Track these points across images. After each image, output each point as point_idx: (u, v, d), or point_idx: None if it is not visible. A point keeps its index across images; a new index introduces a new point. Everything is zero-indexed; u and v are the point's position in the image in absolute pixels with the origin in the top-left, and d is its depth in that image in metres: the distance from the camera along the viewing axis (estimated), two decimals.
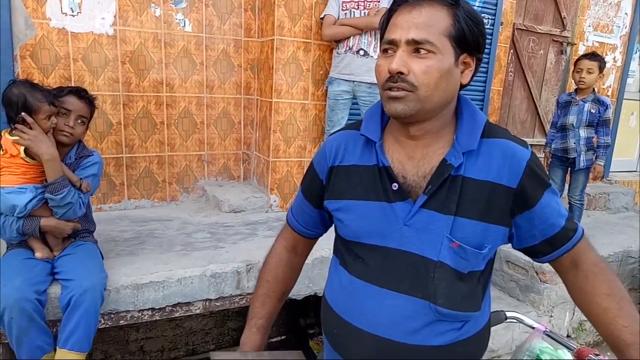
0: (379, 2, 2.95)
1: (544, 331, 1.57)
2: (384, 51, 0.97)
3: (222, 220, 3.00)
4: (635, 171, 5.58)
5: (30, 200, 1.82)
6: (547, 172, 1.06)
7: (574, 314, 3.28)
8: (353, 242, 1.05)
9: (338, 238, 1.13)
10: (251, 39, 3.33)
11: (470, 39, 0.95)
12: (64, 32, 2.75)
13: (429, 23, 0.92)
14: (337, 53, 3.05)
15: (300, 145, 3.24)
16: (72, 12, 2.74)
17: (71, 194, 1.86)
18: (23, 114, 1.75)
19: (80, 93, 1.96)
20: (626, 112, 5.26)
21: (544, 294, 3.06)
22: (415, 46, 0.92)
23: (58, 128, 1.88)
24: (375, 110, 1.09)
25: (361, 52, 2.97)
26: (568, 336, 3.21)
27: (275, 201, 3.23)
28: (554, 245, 1.02)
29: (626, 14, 4.91)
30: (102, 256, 2.12)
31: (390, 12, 0.98)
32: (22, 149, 1.77)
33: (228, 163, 3.47)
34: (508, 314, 1.56)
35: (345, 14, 2.99)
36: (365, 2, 2.96)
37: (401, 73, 0.91)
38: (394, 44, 0.94)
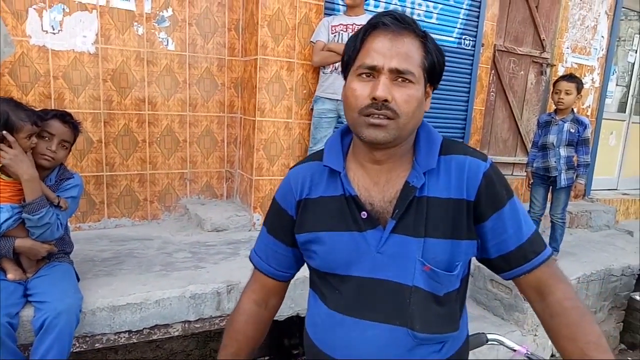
0: None
1: (525, 354, 1.56)
2: (360, 75, 0.95)
3: (204, 239, 2.96)
4: (616, 189, 5.68)
5: (6, 220, 1.77)
6: (510, 186, 1.05)
7: None
8: (327, 273, 1.04)
9: (312, 271, 1.10)
10: (235, 57, 3.35)
11: (438, 71, 0.98)
12: (45, 50, 2.73)
13: (410, 54, 0.93)
14: (323, 72, 3.09)
15: (284, 164, 3.23)
16: (53, 29, 2.72)
17: (49, 215, 1.82)
18: (4, 132, 1.72)
19: (65, 117, 1.94)
20: (605, 131, 5.37)
21: (528, 312, 3.06)
22: (397, 75, 0.92)
23: (39, 152, 1.85)
24: (334, 140, 1.08)
25: None
26: (552, 356, 3.20)
27: (258, 220, 3.20)
28: (509, 264, 0.99)
29: (602, 36, 5.05)
30: (78, 277, 2.07)
31: (365, 34, 0.97)
32: None
33: (211, 181, 3.44)
34: (489, 336, 1.54)
35: (335, 36, 3.03)
36: (354, 25, 3.01)
37: (386, 100, 0.91)
38: (375, 70, 0.93)
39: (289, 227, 1.09)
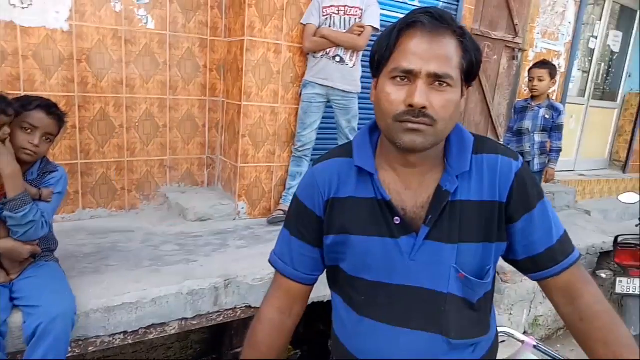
0: (360, 8, 2.92)
1: (533, 345, 1.62)
2: (394, 78, 0.90)
3: (189, 229, 2.86)
4: (573, 170, 5.97)
5: None
6: (540, 187, 1.04)
7: (530, 311, 3.46)
8: (356, 277, 1.01)
9: (339, 272, 1.06)
10: (218, 38, 3.18)
11: (475, 70, 0.94)
12: (12, 26, 2.48)
13: (449, 56, 0.89)
14: (314, 57, 2.99)
15: (270, 150, 3.15)
16: (22, 3, 2.47)
17: (33, 212, 1.68)
18: None
19: (50, 109, 1.77)
20: (567, 115, 5.59)
21: (505, 293, 3.20)
22: (435, 79, 0.88)
23: (20, 145, 1.69)
24: (363, 137, 1.05)
25: (337, 59, 2.94)
26: (525, 332, 3.38)
27: (243, 208, 3.13)
28: (538, 266, 0.99)
29: (569, 22, 5.21)
30: (64, 276, 1.95)
31: (399, 33, 0.91)
32: None
33: (191, 168, 3.31)
34: (499, 329, 1.59)
35: (326, 19, 2.94)
36: (346, 7, 2.92)
37: (424, 107, 0.87)
38: (411, 74, 0.88)
39: (317, 228, 1.05)
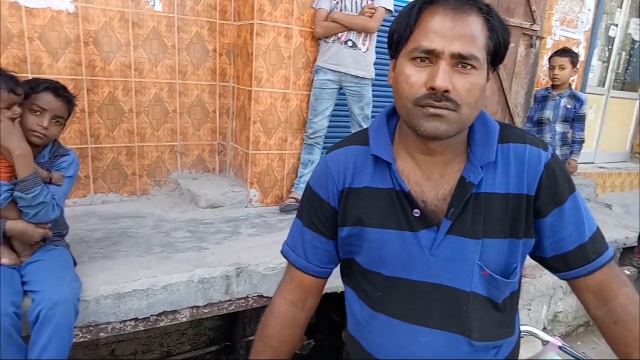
0: None
1: (559, 346, 1.55)
2: (414, 59, 0.83)
3: (200, 216, 2.81)
4: (593, 162, 5.83)
5: None
6: (572, 179, 0.96)
7: (549, 307, 3.37)
8: (371, 272, 0.95)
9: (354, 265, 1.00)
10: (226, 22, 3.11)
11: (502, 51, 0.86)
12: (17, 7, 2.43)
13: (474, 35, 0.81)
14: (325, 42, 2.92)
15: (281, 137, 3.08)
16: None
17: (44, 193, 1.66)
18: None
19: (58, 91, 1.74)
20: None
21: (524, 287, 3.12)
22: (459, 60, 0.81)
23: (29, 127, 1.68)
24: (380, 124, 0.98)
25: (349, 43, 2.85)
26: (544, 329, 3.30)
27: (255, 196, 3.07)
28: (567, 265, 0.92)
29: (589, 9, 5.06)
30: (75, 262, 1.91)
31: (420, 10, 0.84)
32: None
33: (202, 154, 3.25)
34: (522, 328, 1.52)
35: (337, 3, 2.86)
36: None
37: (446, 91, 0.80)
38: (432, 54, 0.81)
39: (331, 219, 0.99)
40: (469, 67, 0.81)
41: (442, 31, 0.80)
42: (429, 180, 0.92)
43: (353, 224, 0.95)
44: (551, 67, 3.41)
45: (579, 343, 3.36)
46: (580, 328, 3.56)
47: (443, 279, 0.90)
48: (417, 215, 0.89)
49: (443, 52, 0.80)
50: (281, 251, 1.09)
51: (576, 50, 5.01)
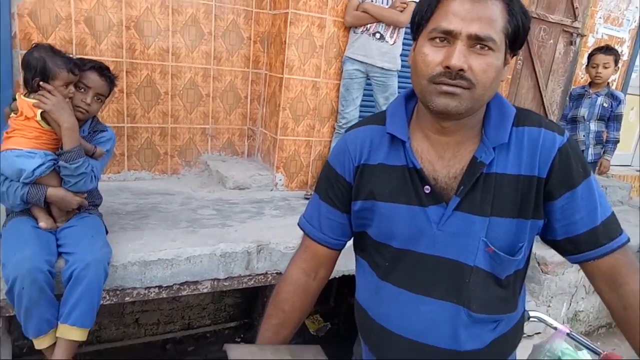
0: None
1: (567, 333, 1.55)
2: (433, 39, 0.86)
3: (227, 196, 2.92)
4: (630, 165, 5.62)
5: (39, 166, 1.73)
6: (587, 165, 0.94)
7: (570, 305, 3.31)
8: (381, 243, 1.00)
9: (365, 238, 1.05)
10: (262, 10, 3.19)
11: (521, 36, 0.88)
12: None
13: (493, 18, 0.83)
14: (354, 32, 2.96)
15: (309, 124, 3.15)
16: None
17: (86, 164, 1.79)
18: (41, 82, 1.70)
19: (102, 70, 1.89)
20: (627, 106, 5.26)
21: (544, 284, 3.08)
22: (476, 42, 0.83)
23: (74, 103, 1.82)
24: (398, 105, 1.01)
25: (377, 35, 2.88)
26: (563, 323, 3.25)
27: (280, 180, 3.15)
28: (578, 248, 0.93)
29: (637, 7, 4.86)
30: (107, 230, 2.04)
31: None
32: (39, 112, 1.69)
33: (232, 138, 3.36)
34: (531, 314, 1.53)
35: None
36: None
37: (461, 70, 0.83)
38: (450, 35, 0.84)
39: (346, 194, 1.04)
40: (485, 48, 0.84)
41: (461, 13, 0.83)
42: (442, 159, 0.95)
43: (366, 198, 1.00)
44: (594, 66, 3.31)
45: (599, 343, 3.28)
46: (601, 329, 3.48)
47: (448, 253, 0.93)
48: (427, 191, 0.93)
49: (460, 33, 0.83)
50: (298, 223, 1.15)
51: (619, 49, 4.85)
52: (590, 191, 0.92)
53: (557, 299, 3.19)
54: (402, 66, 3.00)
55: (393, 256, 0.98)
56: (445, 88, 0.84)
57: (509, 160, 0.91)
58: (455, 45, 0.83)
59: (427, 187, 0.93)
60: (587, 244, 0.92)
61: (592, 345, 1.42)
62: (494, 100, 0.94)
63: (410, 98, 1.03)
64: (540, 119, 0.95)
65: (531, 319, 1.53)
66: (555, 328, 1.56)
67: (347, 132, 1.08)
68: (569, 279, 3.14)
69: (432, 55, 0.86)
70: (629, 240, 0.95)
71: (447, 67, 0.83)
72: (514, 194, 0.91)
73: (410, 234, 0.95)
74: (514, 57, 0.93)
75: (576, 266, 3.41)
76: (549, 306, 3.18)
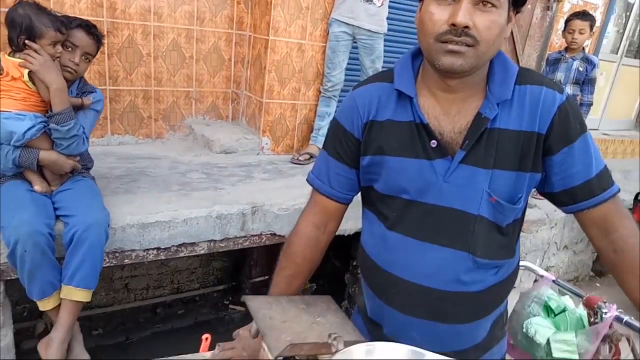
0: None
1: (552, 280, 1.68)
2: None
3: (214, 160, 2.92)
4: (597, 129, 5.86)
5: (29, 129, 1.69)
6: (585, 122, 1.02)
7: (542, 260, 3.53)
8: (389, 196, 1.04)
9: (372, 192, 1.09)
10: None
11: None
12: None
13: None
14: None
15: (295, 87, 3.14)
16: None
17: (77, 127, 1.76)
18: (27, 41, 1.63)
19: (90, 29, 1.83)
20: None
21: (521, 241, 3.25)
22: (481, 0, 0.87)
23: (62, 63, 1.76)
24: (405, 62, 1.04)
25: None
26: (535, 281, 3.46)
27: (267, 144, 3.16)
28: (574, 199, 1.00)
29: None
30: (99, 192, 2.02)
31: None
32: (26, 72, 1.63)
33: (217, 102, 3.32)
34: (521, 263, 1.64)
35: None
36: None
37: (467, 27, 0.86)
38: None
39: (354, 149, 1.08)
40: (489, 5, 0.87)
41: None
42: (447, 115, 0.99)
43: (374, 153, 1.04)
44: (570, 31, 3.39)
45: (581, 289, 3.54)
46: (569, 282, 3.73)
47: (454, 203, 0.98)
48: (434, 145, 0.97)
49: None
50: (307, 179, 1.19)
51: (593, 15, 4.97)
52: (586, 146, 0.98)
53: (532, 255, 3.39)
54: (388, 29, 3.01)
55: (401, 208, 1.03)
56: (450, 47, 0.88)
57: (511, 116, 0.96)
58: (461, 3, 0.86)
59: (433, 141, 0.97)
60: (582, 195, 0.99)
61: (576, 290, 1.55)
62: (497, 58, 0.98)
63: (416, 56, 1.06)
64: (541, 77, 1.00)
65: (520, 267, 1.64)
66: (541, 276, 1.69)
67: (355, 89, 1.11)
68: (542, 237, 3.32)
69: (439, 14, 0.88)
70: (619, 190, 1.03)
71: (453, 25, 0.86)
72: (515, 148, 0.96)
73: (418, 186, 1.00)
74: (517, 14, 0.97)
75: (549, 224, 3.60)
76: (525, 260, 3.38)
